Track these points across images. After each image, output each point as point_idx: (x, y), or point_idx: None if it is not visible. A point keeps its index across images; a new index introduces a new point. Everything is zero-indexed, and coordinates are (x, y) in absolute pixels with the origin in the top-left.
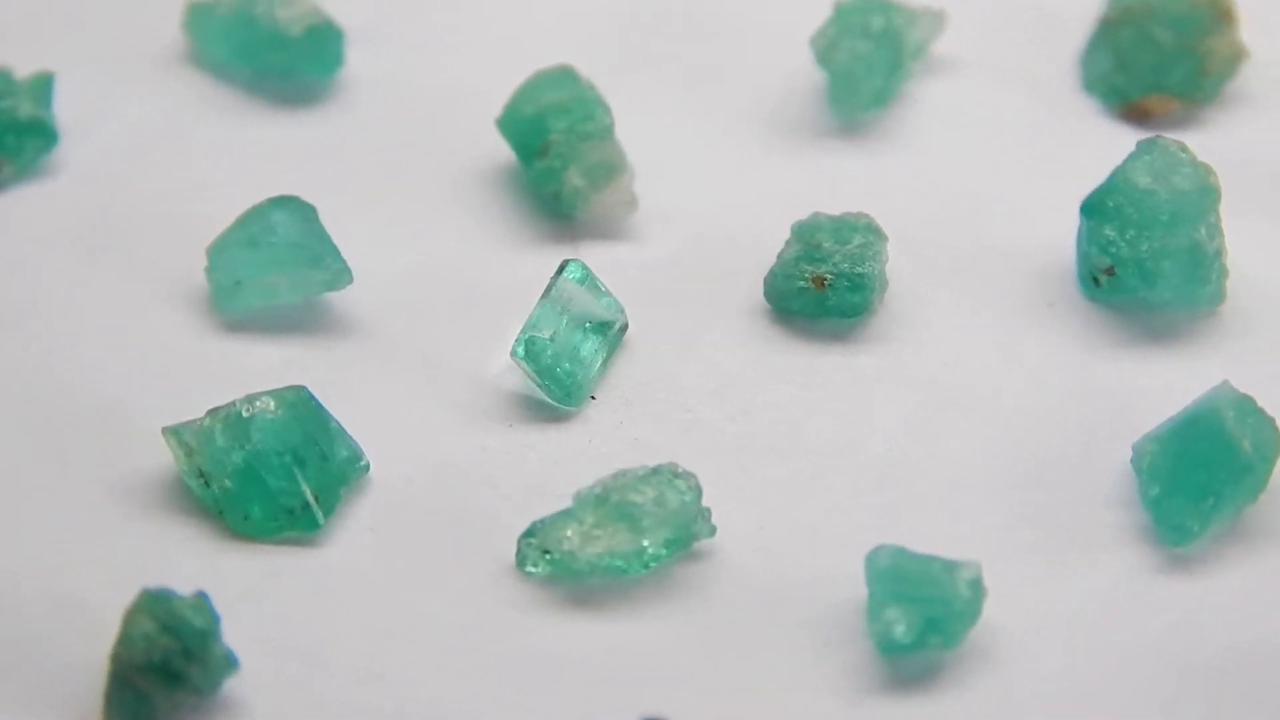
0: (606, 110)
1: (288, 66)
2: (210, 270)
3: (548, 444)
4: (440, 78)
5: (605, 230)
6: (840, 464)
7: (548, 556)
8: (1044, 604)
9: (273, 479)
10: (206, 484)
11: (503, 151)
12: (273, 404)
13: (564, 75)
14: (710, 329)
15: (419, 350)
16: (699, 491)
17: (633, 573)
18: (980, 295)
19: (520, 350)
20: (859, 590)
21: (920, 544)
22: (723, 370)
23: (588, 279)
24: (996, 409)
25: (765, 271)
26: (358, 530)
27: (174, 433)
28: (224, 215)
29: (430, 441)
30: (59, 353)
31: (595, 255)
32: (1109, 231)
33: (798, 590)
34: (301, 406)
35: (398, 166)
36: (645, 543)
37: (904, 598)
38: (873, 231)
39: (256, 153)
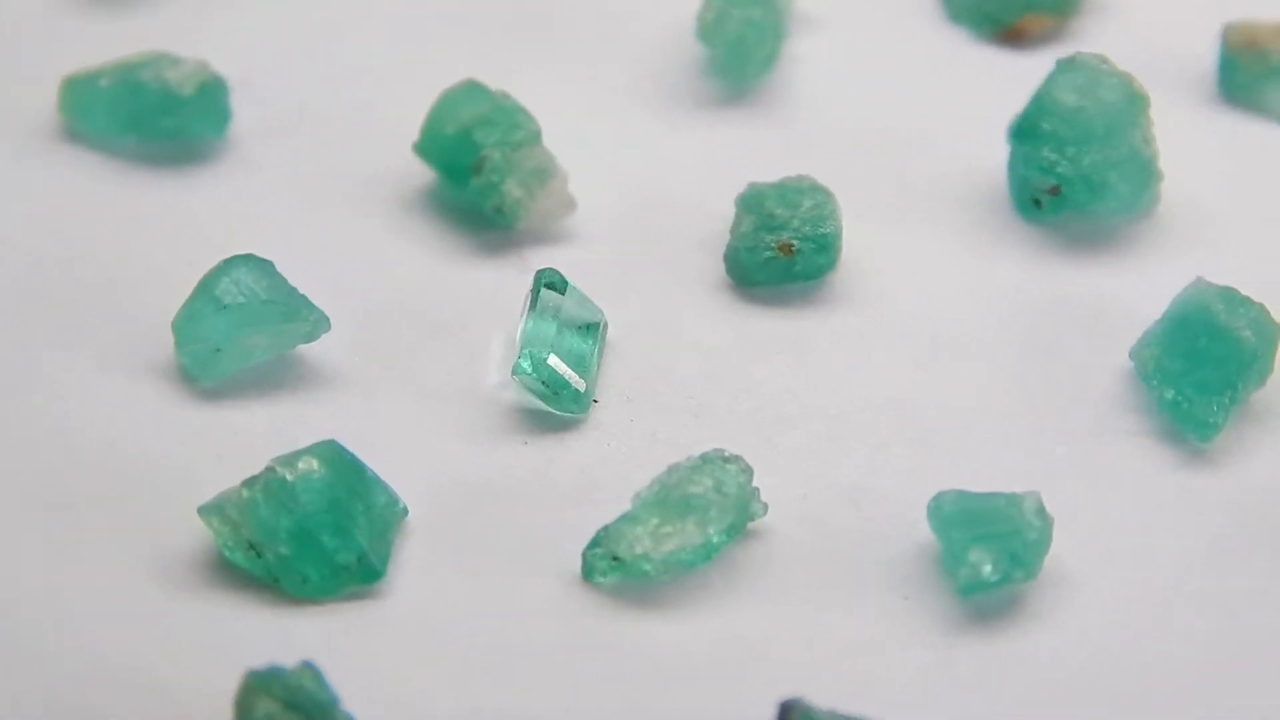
0: (530, 116)
1: (180, 128)
2: (181, 344)
3: (567, 454)
4: (330, 116)
5: (545, 234)
6: (855, 423)
7: (617, 563)
8: (1095, 522)
9: (327, 537)
10: (258, 554)
11: (418, 174)
12: (315, 463)
13: (473, 89)
14: (682, 314)
15: (407, 383)
16: (751, 471)
17: (699, 565)
18: (927, 235)
19: (526, 365)
20: (918, 539)
21: (961, 485)
22: (709, 352)
23: (566, 284)
24: (984, 342)
25: (715, 249)
26: (410, 573)
27: (213, 510)
28: (153, 285)
29: (452, 472)
30: (50, 438)
31: (544, 260)
32: (1048, 153)
33: (858, 551)
34: (339, 460)
35: (316, 209)
36: (710, 531)
37: (982, 538)
38: (820, 191)
39: (170, 219)
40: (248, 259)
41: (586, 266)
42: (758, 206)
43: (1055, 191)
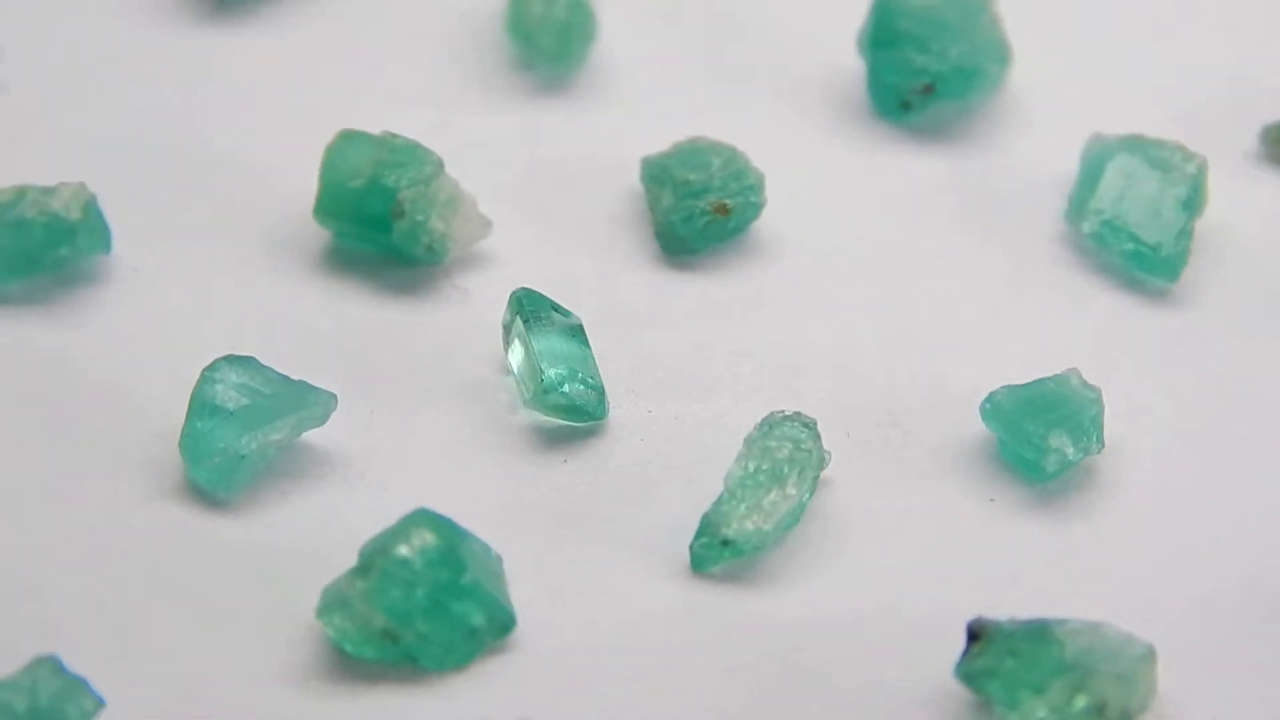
0: (426, 149)
1: (71, 254)
2: (196, 461)
3: (611, 460)
4: (202, 207)
5: (467, 259)
6: (852, 353)
7: (729, 546)
8: (1120, 386)
9: (456, 604)
10: (394, 640)
11: (314, 237)
12: (427, 534)
13: (353, 138)
14: (636, 299)
15: (422, 438)
16: (813, 422)
17: (794, 527)
18: (810, 165)
19: (561, 386)
20: (969, 442)
21: (976, 381)
22: (681, 327)
23: (539, 297)
24: (923, 246)
25: (630, 227)
26: (524, 613)
27: (332, 609)
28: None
29: (511, 509)
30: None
31: (478, 281)
32: (913, 54)
33: (924, 469)
34: (438, 524)
35: (238, 294)
36: (803, 489)
37: (1054, 423)
38: (722, 146)
39: (90, 340)
40: (227, 360)
41: (520, 275)
42: (668, 177)
43: (929, 90)
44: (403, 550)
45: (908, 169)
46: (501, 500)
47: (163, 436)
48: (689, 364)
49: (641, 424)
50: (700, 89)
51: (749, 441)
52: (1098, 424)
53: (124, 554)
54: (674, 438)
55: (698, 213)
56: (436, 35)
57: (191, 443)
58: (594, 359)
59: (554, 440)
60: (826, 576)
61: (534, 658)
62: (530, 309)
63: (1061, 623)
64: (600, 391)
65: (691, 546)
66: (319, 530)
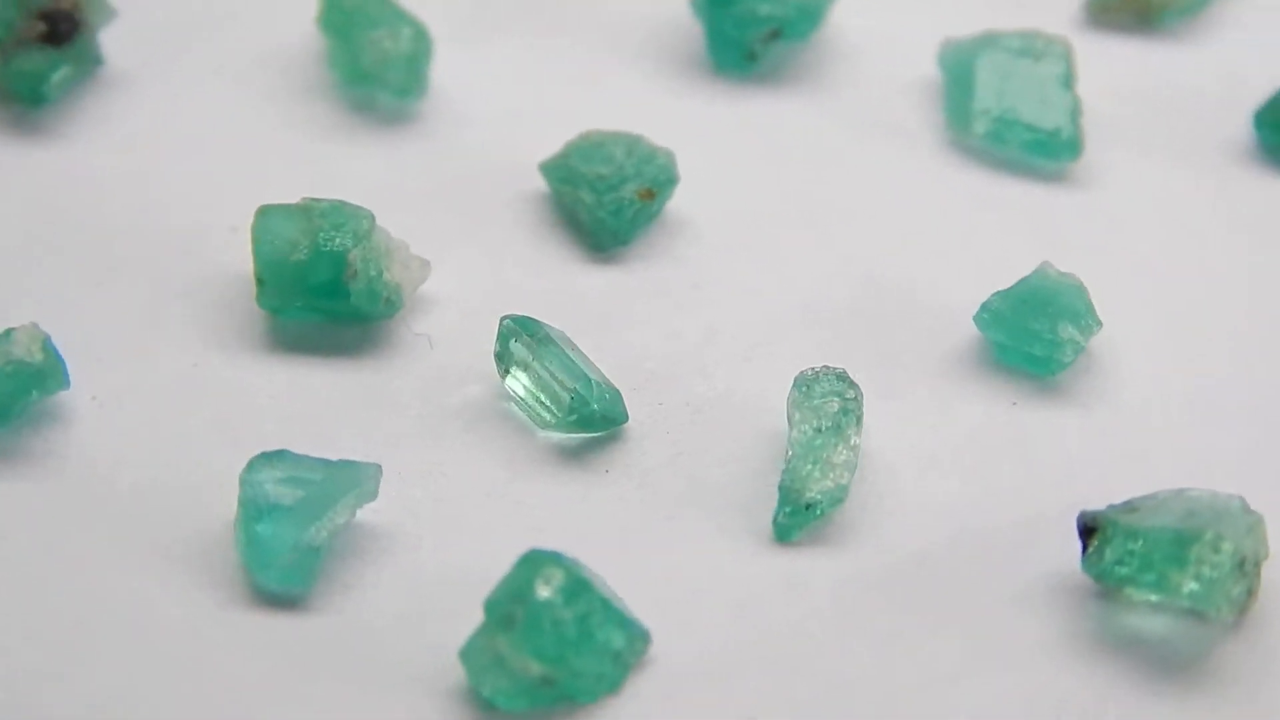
0: (352, 205)
1: (39, 397)
2: (265, 568)
3: (646, 457)
4: (133, 305)
5: (414, 302)
6: (823, 303)
7: (810, 510)
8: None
9: (599, 632)
10: (551, 683)
11: (257, 321)
12: (555, 571)
13: (274, 212)
14: (589, 300)
15: (459, 486)
16: (844, 372)
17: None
18: (678, 129)
19: (579, 397)
20: (967, 356)
21: (944, 306)
22: (648, 318)
23: (527, 320)
24: (830, 191)
25: (551, 234)
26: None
27: (484, 672)
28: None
29: (582, 531)
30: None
31: (430, 321)
32: (755, 4)
33: (938, 403)
34: (557, 558)
35: (206, 394)
36: (858, 441)
37: (1055, 316)
38: (617, 134)
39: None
40: (263, 458)
41: (467, 304)
42: (578, 176)
43: (775, 35)
44: (543, 592)
45: (776, 115)
46: (566, 523)
47: (200, 545)
48: (670, 350)
49: (658, 417)
50: (547, 82)
51: (795, 404)
52: (1090, 305)
53: (210, 670)
54: (695, 423)
55: (626, 203)
56: (261, 90)
57: (257, 548)
58: (595, 365)
59: (583, 454)
60: (899, 515)
61: (672, 666)
62: (529, 333)
63: (1152, 497)
64: (618, 395)
65: (776, 519)
66: (404, 602)
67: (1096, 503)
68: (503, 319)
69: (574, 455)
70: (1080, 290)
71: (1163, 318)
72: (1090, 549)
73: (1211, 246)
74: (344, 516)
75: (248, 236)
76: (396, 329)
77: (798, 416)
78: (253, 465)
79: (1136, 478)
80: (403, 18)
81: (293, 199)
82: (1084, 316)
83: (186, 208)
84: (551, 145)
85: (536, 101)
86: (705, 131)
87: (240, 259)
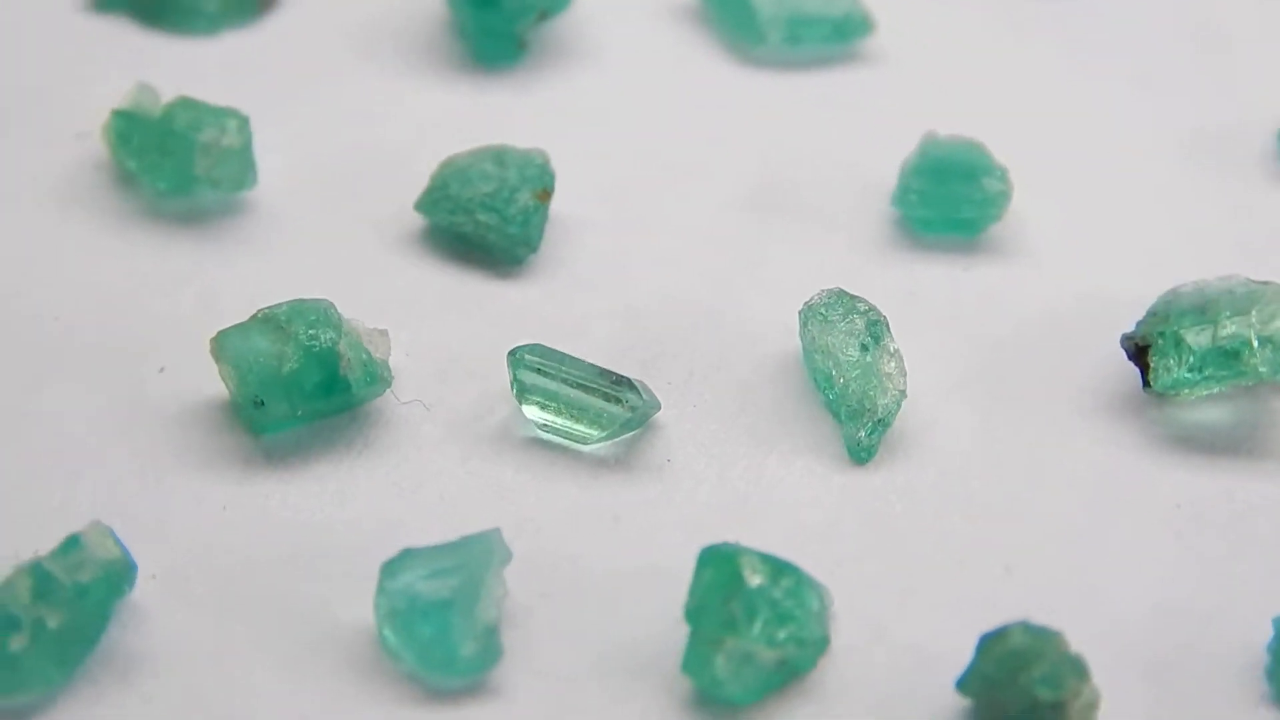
0: (309, 299)
1: None
2: (452, 665)
3: (693, 435)
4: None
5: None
6: (734, 229)
7: (881, 424)
8: None
9: (807, 598)
10: (785, 664)
11: (236, 443)
12: (750, 556)
13: (234, 332)
14: (528, 316)
15: (560, 526)
16: (836, 287)
17: None
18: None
19: (631, 404)
20: (890, 241)
21: (839, 206)
22: (603, 315)
23: (535, 346)
24: (672, 151)
25: (456, 274)
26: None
27: (734, 678)
28: None
29: (688, 526)
30: None
31: (408, 387)
32: None
33: (895, 296)
34: (730, 547)
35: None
36: (896, 346)
37: (972, 175)
38: (470, 153)
39: None
40: (391, 564)
41: (421, 356)
42: (463, 202)
43: (543, 16)
44: (754, 580)
45: (567, 91)
46: (674, 520)
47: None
48: (640, 339)
49: (674, 397)
50: (349, 127)
51: (820, 334)
52: (992, 157)
53: None
54: (713, 389)
55: (530, 210)
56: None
57: (434, 650)
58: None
59: (633, 457)
60: (921, 408)
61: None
62: (548, 360)
63: (1165, 300)
64: (644, 386)
65: (851, 445)
66: (583, 651)
67: (1079, 329)
68: (512, 352)
69: (628, 461)
70: (977, 146)
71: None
72: (1152, 368)
73: (1023, 66)
74: (500, 586)
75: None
76: (383, 407)
77: (830, 343)
78: (388, 573)
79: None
80: (223, 112)
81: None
82: (994, 168)
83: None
84: (400, 181)
85: (370, 143)
86: (516, 124)
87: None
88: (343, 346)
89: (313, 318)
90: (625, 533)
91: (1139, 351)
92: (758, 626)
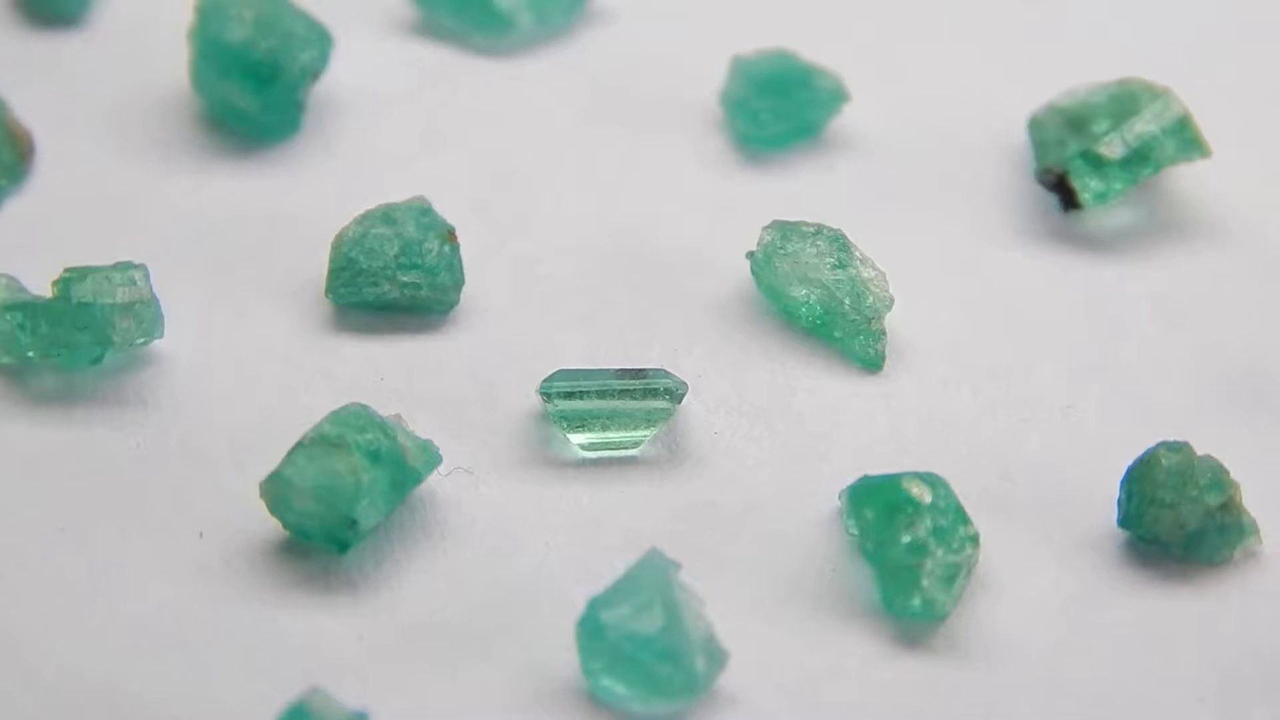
0: (356, 406)
1: None
2: (691, 688)
3: (740, 404)
4: None
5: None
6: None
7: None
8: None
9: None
10: (959, 567)
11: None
12: (911, 478)
13: (302, 453)
14: (491, 351)
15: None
16: (771, 221)
17: None
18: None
19: (670, 394)
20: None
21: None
22: (561, 324)
23: (564, 372)
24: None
25: (399, 328)
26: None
27: (922, 598)
28: None
29: (787, 485)
30: None
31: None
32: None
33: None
34: (890, 475)
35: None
36: (863, 255)
37: (792, 89)
38: (355, 224)
39: None
40: (592, 608)
41: (431, 420)
42: (375, 271)
43: (315, 78)
44: (926, 497)
45: (355, 149)
46: (767, 479)
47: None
48: (602, 328)
49: (698, 381)
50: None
51: (791, 266)
52: (808, 61)
53: None
54: (700, 359)
55: (447, 253)
56: None
57: (674, 678)
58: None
59: (684, 444)
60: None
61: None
62: (573, 382)
63: (1043, 117)
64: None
65: (867, 354)
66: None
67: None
68: (545, 382)
69: (678, 451)
70: (787, 54)
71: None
72: (1078, 190)
73: None
74: (687, 593)
75: None
76: (433, 486)
77: (805, 272)
78: (590, 629)
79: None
80: (117, 269)
81: None
82: (815, 68)
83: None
84: (278, 281)
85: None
86: (333, 186)
87: None
88: (400, 438)
89: (358, 423)
90: (727, 512)
91: (1059, 181)
92: (945, 538)
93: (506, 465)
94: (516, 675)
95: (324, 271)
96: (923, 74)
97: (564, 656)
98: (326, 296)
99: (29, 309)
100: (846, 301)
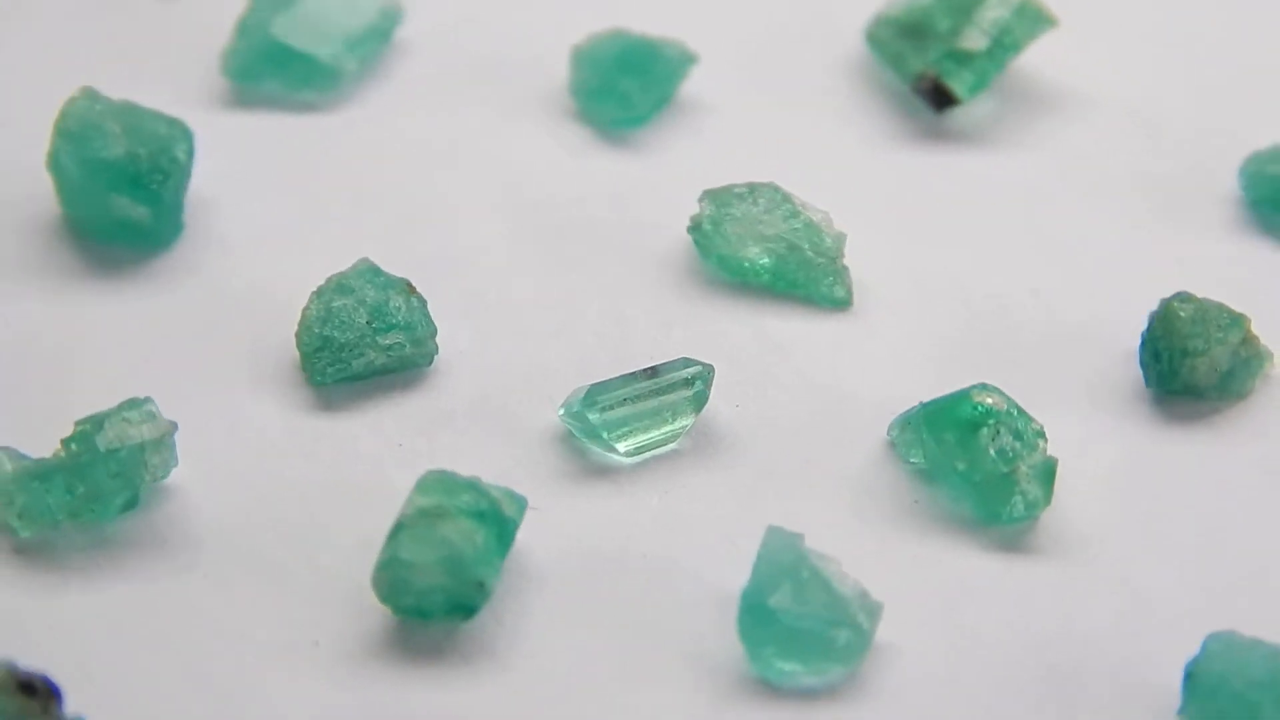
0: (436, 473)
1: None
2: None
3: (730, 391)
4: None
5: None
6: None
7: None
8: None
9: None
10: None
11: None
12: (979, 389)
13: (406, 530)
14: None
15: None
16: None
17: None
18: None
19: (699, 384)
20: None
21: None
22: (555, 346)
23: (588, 390)
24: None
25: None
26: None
27: (1011, 493)
28: None
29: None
30: None
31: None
32: None
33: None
34: (961, 394)
35: None
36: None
37: (638, 71)
38: (321, 292)
39: None
40: (747, 617)
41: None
42: (349, 344)
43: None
44: (1001, 404)
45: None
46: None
47: None
48: (585, 336)
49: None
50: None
51: (745, 226)
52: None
53: None
54: (680, 343)
55: (412, 305)
56: None
57: (845, 647)
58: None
59: (713, 426)
60: None
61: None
62: (599, 395)
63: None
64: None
65: (831, 298)
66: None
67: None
68: (566, 407)
69: (709, 436)
70: (621, 32)
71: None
72: (953, 88)
73: None
74: (824, 559)
75: None
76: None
77: (762, 229)
78: (755, 600)
79: None
80: (126, 407)
81: None
82: (663, 41)
83: None
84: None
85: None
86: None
87: None
88: (490, 491)
89: (447, 488)
90: (787, 475)
91: (934, 85)
92: (1023, 437)
93: (560, 492)
94: (695, 684)
95: (293, 357)
96: (746, 16)
97: (726, 652)
98: (310, 381)
99: (51, 473)
100: (807, 247)
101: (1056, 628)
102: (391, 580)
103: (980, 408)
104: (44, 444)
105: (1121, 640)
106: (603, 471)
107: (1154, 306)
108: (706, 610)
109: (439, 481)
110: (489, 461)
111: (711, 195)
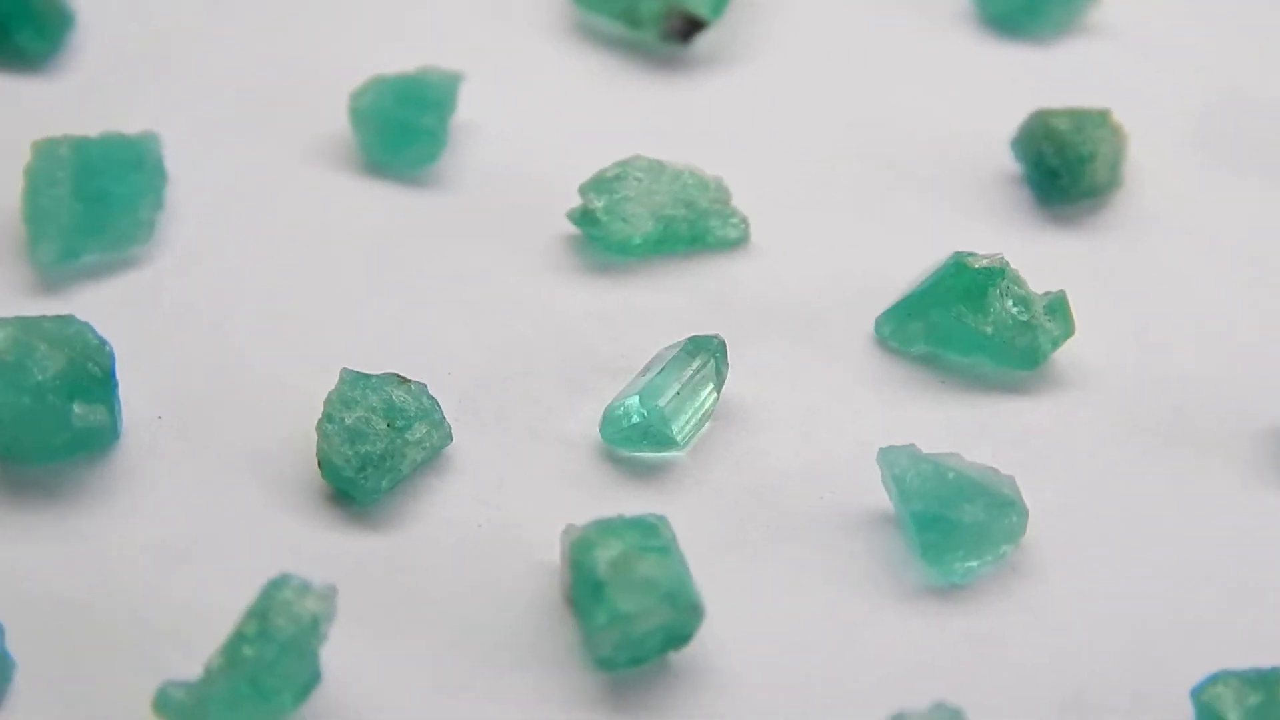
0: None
1: None
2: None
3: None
4: None
5: None
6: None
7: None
8: None
9: None
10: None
11: None
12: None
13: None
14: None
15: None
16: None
17: None
18: None
19: (707, 354)
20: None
21: None
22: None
23: (637, 396)
24: None
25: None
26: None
27: None
28: None
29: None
30: None
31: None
32: None
33: None
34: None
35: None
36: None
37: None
38: (331, 418)
39: None
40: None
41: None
42: (394, 444)
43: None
44: (983, 261)
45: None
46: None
47: None
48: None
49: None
50: None
51: (671, 196)
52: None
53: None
54: (655, 326)
55: (416, 388)
56: None
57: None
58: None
59: (743, 420)
60: None
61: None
62: (668, 389)
63: None
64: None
65: (730, 232)
66: None
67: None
68: (609, 428)
69: (734, 399)
70: (413, 76)
71: None
72: (701, 13)
73: None
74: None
75: None
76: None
77: (662, 200)
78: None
79: None
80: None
81: None
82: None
83: None
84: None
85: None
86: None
87: None
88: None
89: (614, 529)
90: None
91: (683, 19)
92: (1020, 280)
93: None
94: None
95: (318, 486)
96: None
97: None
98: (363, 502)
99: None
100: (704, 200)
101: None
102: (619, 636)
103: (982, 272)
104: None
105: None
106: (661, 474)
107: (998, 125)
108: None
109: (598, 528)
110: (568, 501)
111: (590, 186)
